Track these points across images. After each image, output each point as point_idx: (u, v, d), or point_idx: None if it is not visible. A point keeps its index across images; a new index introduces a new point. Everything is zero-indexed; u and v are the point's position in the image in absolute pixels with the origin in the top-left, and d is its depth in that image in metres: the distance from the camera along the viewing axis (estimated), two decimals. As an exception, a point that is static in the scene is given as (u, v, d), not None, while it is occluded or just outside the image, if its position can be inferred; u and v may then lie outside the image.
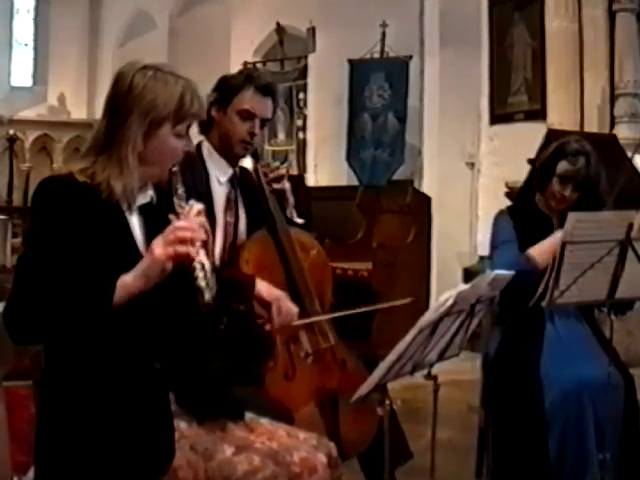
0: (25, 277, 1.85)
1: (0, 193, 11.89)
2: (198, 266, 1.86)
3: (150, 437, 1.93)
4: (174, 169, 2.02)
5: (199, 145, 2.85)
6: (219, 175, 2.82)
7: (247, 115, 2.77)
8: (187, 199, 2.00)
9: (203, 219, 1.97)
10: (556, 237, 2.83)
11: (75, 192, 1.90)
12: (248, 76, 2.82)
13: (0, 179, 11.93)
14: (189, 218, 1.94)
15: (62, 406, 1.89)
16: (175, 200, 1.99)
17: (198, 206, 1.99)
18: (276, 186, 2.85)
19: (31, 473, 2.07)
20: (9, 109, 12.14)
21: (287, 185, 2.88)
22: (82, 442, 1.86)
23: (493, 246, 3.13)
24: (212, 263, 2.02)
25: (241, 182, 2.88)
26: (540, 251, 2.92)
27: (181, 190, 2.00)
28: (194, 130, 2.47)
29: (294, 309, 2.52)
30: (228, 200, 2.83)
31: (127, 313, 1.86)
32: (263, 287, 2.48)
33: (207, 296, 1.86)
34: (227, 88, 2.81)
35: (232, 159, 2.84)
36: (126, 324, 1.89)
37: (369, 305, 2.72)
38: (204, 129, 2.85)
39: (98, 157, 1.96)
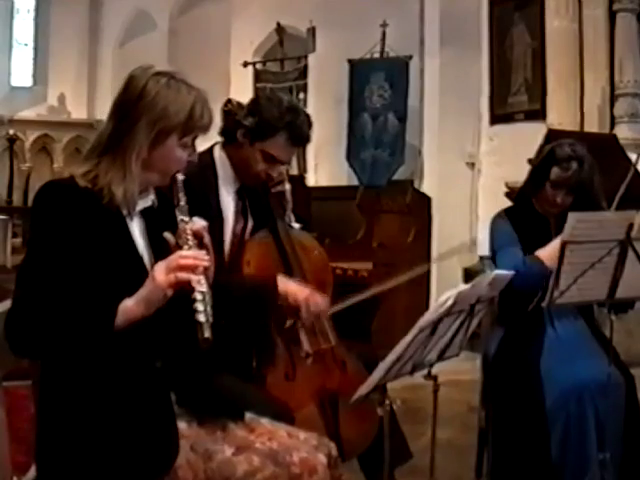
0: (26, 289, 1.84)
1: (0, 193, 11.90)
2: (199, 297, 1.82)
3: (153, 435, 1.92)
4: (177, 176, 2.01)
5: (211, 149, 2.79)
6: (228, 185, 2.78)
7: (271, 159, 2.69)
8: (189, 211, 1.98)
9: (204, 236, 1.96)
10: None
11: (76, 197, 1.89)
12: (290, 123, 2.66)
13: (0, 179, 11.93)
14: (187, 238, 1.93)
15: (62, 406, 1.89)
16: (177, 213, 1.97)
17: (201, 223, 1.98)
18: (277, 188, 2.83)
19: (31, 473, 2.07)
20: (9, 109, 12.14)
21: (287, 186, 2.87)
22: (85, 441, 1.86)
23: (494, 250, 3.10)
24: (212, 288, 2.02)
25: (248, 189, 2.83)
26: (549, 252, 2.84)
27: (183, 201, 1.99)
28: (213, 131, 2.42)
29: (323, 303, 2.54)
30: (236, 211, 2.79)
31: (128, 333, 1.85)
32: (287, 287, 2.50)
33: (207, 333, 1.80)
34: (265, 122, 2.67)
35: (243, 179, 2.79)
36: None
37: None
38: (227, 138, 2.77)
39: (101, 159, 1.95)
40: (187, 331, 1.90)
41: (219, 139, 2.82)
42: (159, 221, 2.01)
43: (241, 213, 2.80)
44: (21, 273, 1.87)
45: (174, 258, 1.86)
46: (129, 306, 1.84)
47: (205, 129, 2.02)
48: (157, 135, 1.94)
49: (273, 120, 2.66)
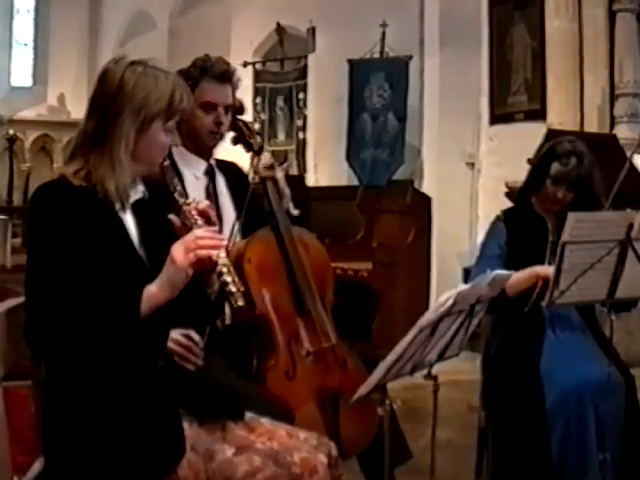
0: (42, 293, 1.83)
1: (0, 193, 11.91)
2: (224, 269, 1.86)
3: (159, 433, 1.92)
4: (165, 163, 2.04)
5: None
6: (194, 171, 2.82)
7: (209, 106, 2.78)
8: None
9: (211, 214, 2.01)
10: (533, 269, 2.89)
11: (72, 197, 1.89)
12: (202, 68, 2.82)
13: (0, 179, 11.94)
14: (196, 218, 1.95)
15: (68, 407, 1.89)
16: (178, 198, 2.00)
17: (205, 202, 2.02)
18: (267, 173, 2.83)
19: (31, 473, 2.07)
20: (9, 109, 12.15)
21: (279, 174, 2.87)
22: (91, 439, 1.86)
23: (477, 256, 3.17)
24: None
25: (224, 171, 2.90)
26: (516, 281, 2.84)
27: (180, 186, 2.02)
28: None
29: None
30: (208, 193, 2.83)
31: (152, 320, 1.86)
32: None
33: (240, 301, 1.84)
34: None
35: (204, 152, 2.85)
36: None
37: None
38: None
39: (89, 156, 1.95)
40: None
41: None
42: (151, 213, 2.02)
43: (213, 194, 2.84)
44: (31, 280, 1.86)
45: (191, 238, 1.87)
46: (153, 292, 1.84)
47: (186, 111, 2.05)
48: (142, 123, 1.95)
49: (190, 76, 2.76)
